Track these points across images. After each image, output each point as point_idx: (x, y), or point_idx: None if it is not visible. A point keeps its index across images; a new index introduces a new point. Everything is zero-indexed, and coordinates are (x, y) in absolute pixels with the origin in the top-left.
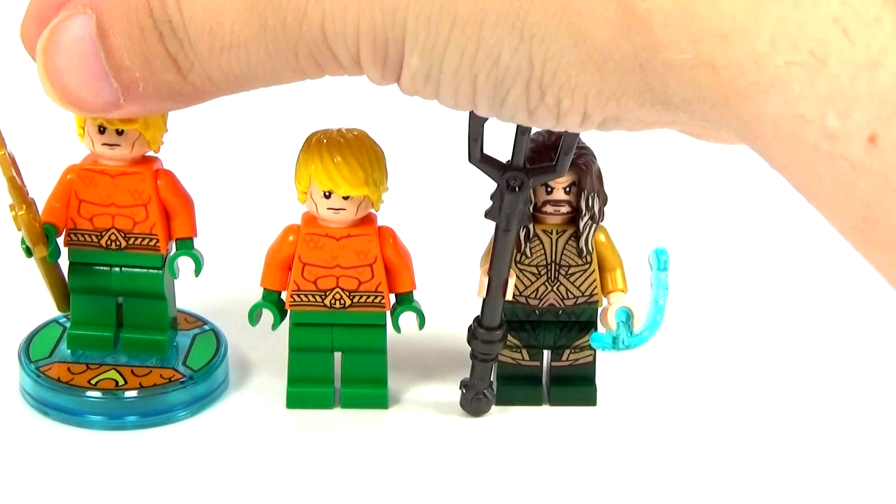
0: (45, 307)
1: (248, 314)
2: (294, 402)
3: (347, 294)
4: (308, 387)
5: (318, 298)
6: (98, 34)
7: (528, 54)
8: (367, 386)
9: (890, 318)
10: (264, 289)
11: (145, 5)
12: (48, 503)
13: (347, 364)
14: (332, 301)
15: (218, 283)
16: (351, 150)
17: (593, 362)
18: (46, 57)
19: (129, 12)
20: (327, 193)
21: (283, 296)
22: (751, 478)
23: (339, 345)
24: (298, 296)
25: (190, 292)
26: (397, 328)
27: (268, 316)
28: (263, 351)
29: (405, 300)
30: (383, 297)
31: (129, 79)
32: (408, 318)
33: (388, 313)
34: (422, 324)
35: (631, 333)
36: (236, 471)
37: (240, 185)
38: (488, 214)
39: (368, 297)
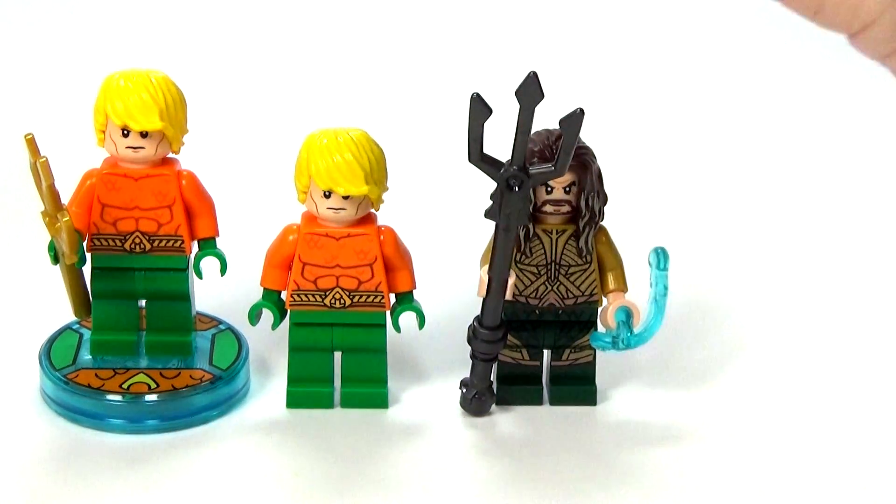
0: (51, 312)
1: (248, 314)
2: (294, 401)
3: (347, 293)
4: (308, 386)
5: (318, 298)
6: None
7: None
8: (368, 385)
9: (890, 319)
10: (264, 288)
11: None
12: None
13: (347, 364)
14: (332, 301)
15: (218, 284)
16: (351, 149)
17: (593, 362)
18: None
19: None
20: (327, 193)
21: (283, 295)
22: (751, 477)
23: (339, 344)
24: (298, 295)
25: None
26: (397, 328)
27: (267, 316)
28: (273, 351)
29: (405, 300)
30: (383, 297)
31: None
32: (408, 318)
33: (388, 313)
34: (422, 323)
35: (631, 333)
36: (237, 471)
37: (240, 185)
38: (488, 214)
39: (368, 296)
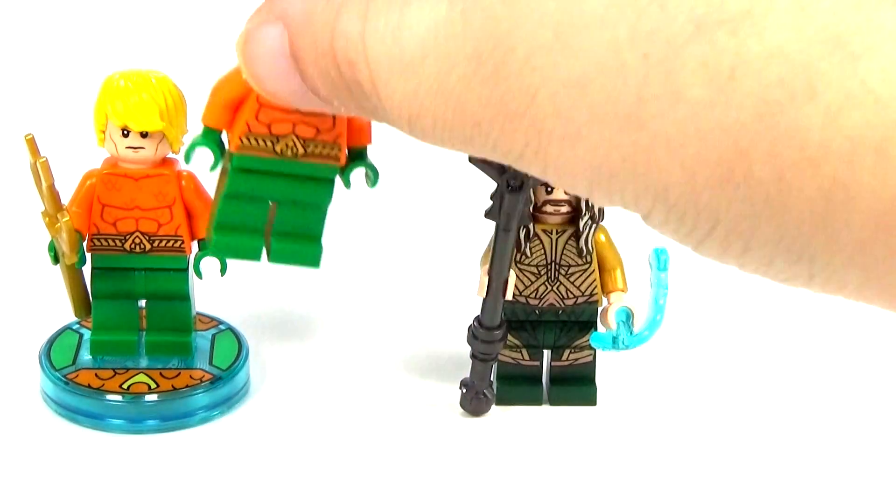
0: (51, 312)
1: (185, 154)
2: (219, 250)
3: (302, 142)
4: (237, 236)
5: (270, 144)
6: (291, 54)
7: (807, 269)
8: (300, 242)
9: (890, 319)
10: (205, 126)
11: (332, 61)
12: None
13: (282, 217)
14: (284, 148)
15: (218, 284)
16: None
17: (593, 362)
18: (245, 63)
19: (317, 56)
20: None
21: (224, 136)
22: (750, 477)
23: (280, 195)
24: (249, 139)
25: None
26: (347, 183)
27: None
28: (278, 351)
29: (359, 156)
30: (339, 150)
31: (325, 99)
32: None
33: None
34: (374, 181)
35: (631, 333)
36: (238, 471)
37: None
38: (488, 214)
39: (324, 146)
